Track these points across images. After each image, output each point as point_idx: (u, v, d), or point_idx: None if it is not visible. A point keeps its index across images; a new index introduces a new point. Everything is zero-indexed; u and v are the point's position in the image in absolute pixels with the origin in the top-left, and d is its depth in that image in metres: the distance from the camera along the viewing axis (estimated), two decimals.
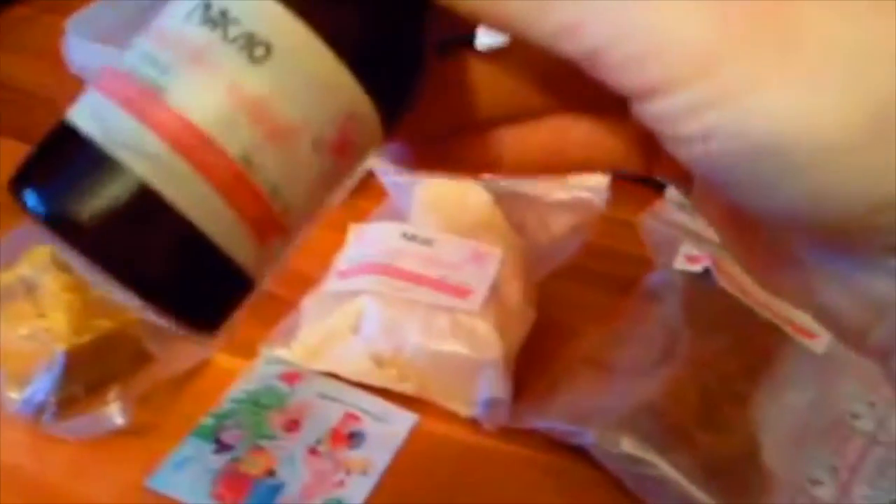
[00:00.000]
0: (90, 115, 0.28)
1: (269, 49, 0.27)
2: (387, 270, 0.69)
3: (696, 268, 0.73)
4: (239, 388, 0.68)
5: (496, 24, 0.28)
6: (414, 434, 0.66)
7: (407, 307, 0.68)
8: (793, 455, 0.64)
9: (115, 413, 0.64)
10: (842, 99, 0.24)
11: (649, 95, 0.26)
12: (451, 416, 0.67)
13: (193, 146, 0.27)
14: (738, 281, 0.72)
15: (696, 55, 0.25)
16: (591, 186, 0.76)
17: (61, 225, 0.27)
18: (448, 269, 0.69)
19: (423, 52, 0.30)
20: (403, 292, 0.68)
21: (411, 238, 0.71)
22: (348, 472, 0.64)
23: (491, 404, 0.66)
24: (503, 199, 0.75)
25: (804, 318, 0.70)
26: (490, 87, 0.33)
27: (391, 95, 0.30)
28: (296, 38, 0.27)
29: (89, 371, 0.65)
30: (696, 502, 0.60)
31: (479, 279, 0.69)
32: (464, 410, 0.67)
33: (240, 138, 0.27)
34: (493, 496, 0.63)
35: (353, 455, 0.65)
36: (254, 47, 0.27)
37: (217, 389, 0.68)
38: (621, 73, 0.26)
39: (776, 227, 0.29)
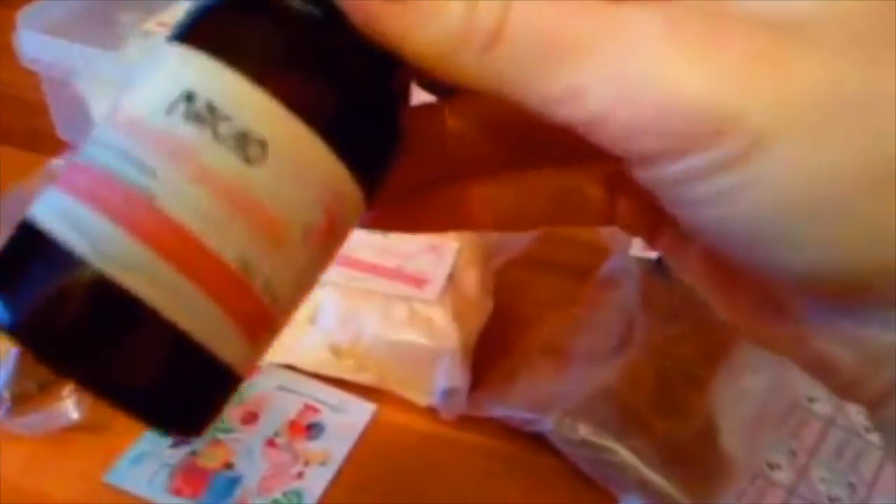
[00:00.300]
0: (62, 220, 0.25)
1: (264, 147, 0.25)
2: (344, 261, 0.69)
3: (652, 254, 0.73)
4: None
5: (483, 89, 0.26)
6: (372, 424, 0.66)
7: (364, 297, 0.68)
8: (751, 439, 0.64)
9: (70, 408, 0.64)
10: (843, 155, 0.23)
11: (656, 160, 0.25)
12: (410, 406, 0.67)
13: (189, 255, 0.25)
14: None
15: (701, 116, 0.24)
16: None
17: (33, 338, 0.25)
18: (404, 259, 0.69)
19: (401, 117, 0.29)
20: (360, 282, 0.68)
21: None
22: (307, 464, 0.63)
23: (449, 393, 0.66)
24: None
25: None
26: (452, 141, 0.32)
27: (373, 167, 0.28)
28: (289, 131, 0.26)
29: (43, 366, 0.64)
30: (655, 487, 0.60)
31: (436, 268, 0.69)
32: (422, 400, 0.67)
33: (236, 243, 0.25)
34: (452, 485, 0.63)
35: (312, 446, 0.64)
36: (247, 146, 0.25)
37: None
38: (626, 139, 0.25)
39: (778, 284, 0.28)
